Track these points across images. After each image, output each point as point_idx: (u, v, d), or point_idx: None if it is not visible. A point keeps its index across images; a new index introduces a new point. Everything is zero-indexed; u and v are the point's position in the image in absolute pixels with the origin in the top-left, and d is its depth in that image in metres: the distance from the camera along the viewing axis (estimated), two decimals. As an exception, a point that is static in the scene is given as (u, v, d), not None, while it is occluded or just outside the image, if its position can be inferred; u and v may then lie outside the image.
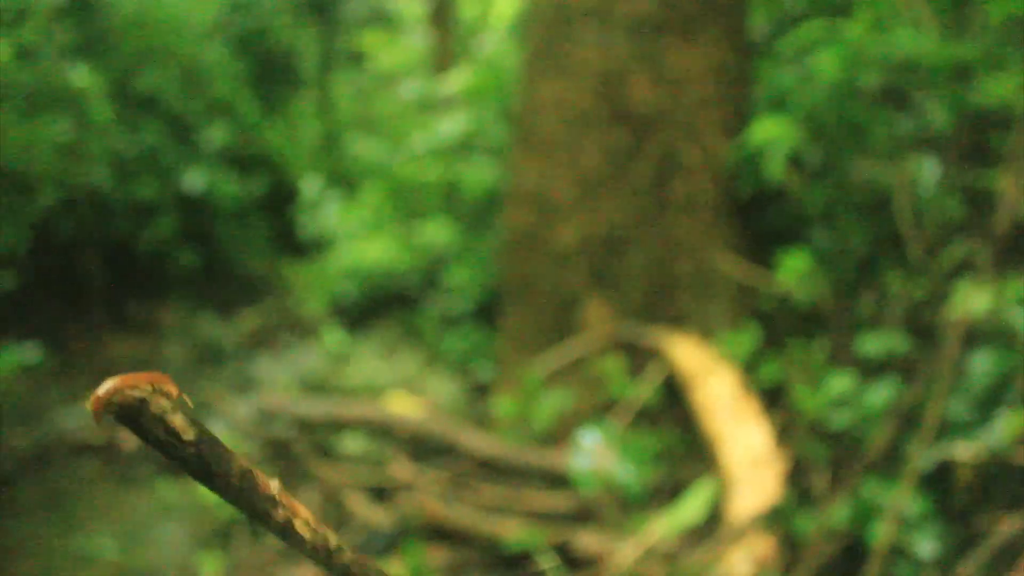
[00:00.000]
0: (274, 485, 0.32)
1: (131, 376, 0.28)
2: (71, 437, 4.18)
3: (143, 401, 0.28)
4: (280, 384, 3.96)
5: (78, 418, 4.41)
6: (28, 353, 3.57)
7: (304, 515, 0.32)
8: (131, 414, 0.27)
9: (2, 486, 3.82)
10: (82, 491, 3.83)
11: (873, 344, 2.37)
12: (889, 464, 2.17)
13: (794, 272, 2.87)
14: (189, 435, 0.29)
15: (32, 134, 4.60)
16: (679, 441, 2.76)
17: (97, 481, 3.91)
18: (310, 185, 5.55)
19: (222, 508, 3.03)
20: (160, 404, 0.28)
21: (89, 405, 0.28)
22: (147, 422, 0.28)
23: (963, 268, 2.47)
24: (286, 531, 0.33)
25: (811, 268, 2.84)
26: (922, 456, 1.96)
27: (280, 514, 0.32)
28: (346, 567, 0.34)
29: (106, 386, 0.27)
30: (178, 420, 0.29)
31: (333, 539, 0.33)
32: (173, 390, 0.29)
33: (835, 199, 3.09)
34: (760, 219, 3.31)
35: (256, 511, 0.31)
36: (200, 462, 0.31)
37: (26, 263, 4.82)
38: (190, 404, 0.29)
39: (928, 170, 2.59)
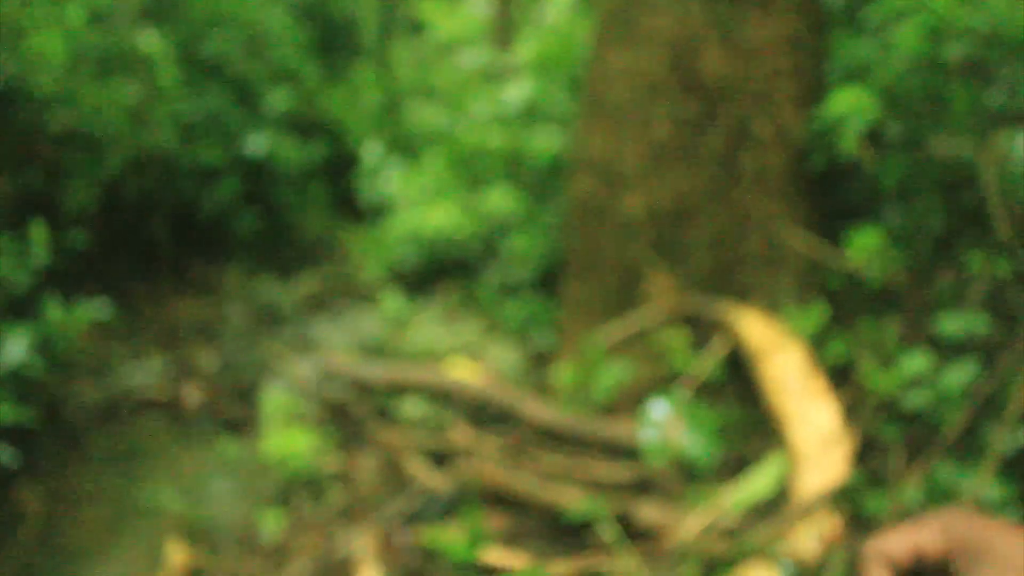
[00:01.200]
0: None
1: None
2: (138, 393, 4.28)
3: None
4: (339, 347, 4.00)
5: (144, 375, 4.50)
6: (99, 309, 3.64)
7: None
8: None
9: (70, 440, 3.93)
10: (147, 445, 3.92)
11: (952, 324, 2.30)
12: (966, 448, 2.11)
13: (865, 250, 2.80)
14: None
15: (102, 97, 4.67)
16: (742, 417, 2.72)
17: (162, 436, 3.99)
18: (370, 151, 5.57)
19: (282, 467, 3.08)
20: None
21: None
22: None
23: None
24: None
25: (883, 246, 2.77)
26: (1005, 440, 1.91)
27: None
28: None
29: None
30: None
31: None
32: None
33: (912, 175, 3.00)
34: (832, 195, 3.23)
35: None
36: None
37: (96, 224, 4.92)
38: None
39: (1018, 145, 2.49)
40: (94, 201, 4.85)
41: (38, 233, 3.57)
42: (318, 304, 5.36)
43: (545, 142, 3.97)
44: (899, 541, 0.65)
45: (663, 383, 2.84)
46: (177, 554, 2.84)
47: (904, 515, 2.11)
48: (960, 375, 2.15)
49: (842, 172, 3.16)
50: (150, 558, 2.90)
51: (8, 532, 3.10)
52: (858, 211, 3.19)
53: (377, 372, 3.19)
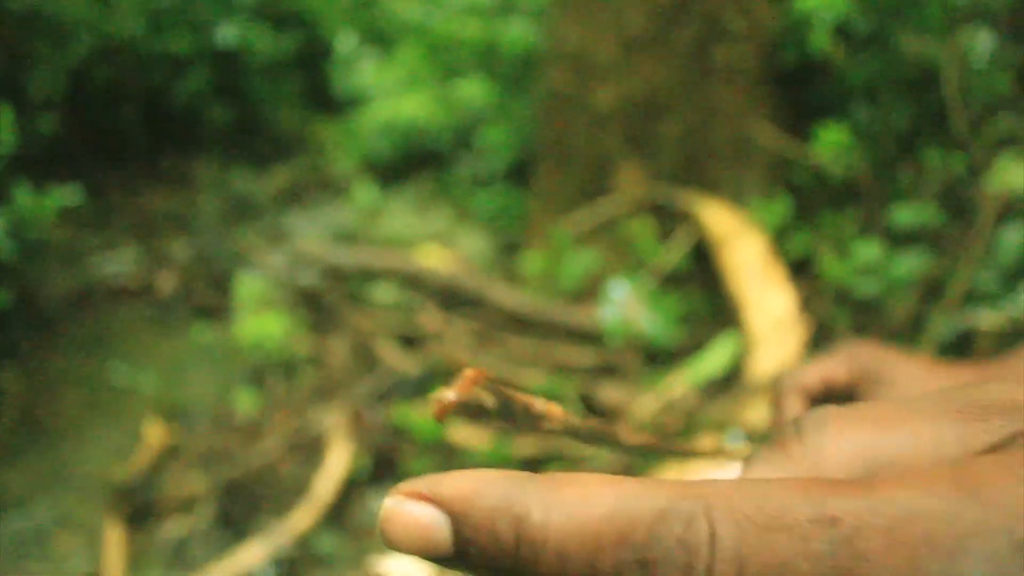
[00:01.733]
0: (540, 402, 0.39)
1: (462, 383, 0.32)
2: (111, 280, 4.31)
3: (478, 401, 0.32)
4: (312, 237, 4.03)
5: (117, 263, 4.52)
6: (70, 196, 3.63)
7: (557, 412, 0.39)
8: (471, 412, 0.32)
9: (45, 325, 3.97)
10: (122, 331, 3.97)
11: (905, 215, 2.38)
12: (911, 332, 2.21)
13: (831, 146, 2.85)
14: (494, 403, 0.34)
15: (66, -22, 4.55)
16: (705, 305, 2.81)
17: (136, 323, 4.05)
18: (344, 42, 5.48)
19: (256, 350, 3.15)
20: (484, 395, 0.33)
21: (434, 412, 0.32)
22: (480, 412, 0.33)
23: (1006, 144, 2.45)
24: (542, 428, 0.41)
25: (849, 142, 2.82)
26: (944, 323, 2.00)
27: (545, 423, 0.39)
28: (587, 431, 0.42)
29: (447, 395, 0.32)
30: (492, 398, 0.34)
31: (577, 418, 0.40)
32: (482, 374, 0.34)
33: (880, 73, 3.03)
34: (802, 91, 3.26)
35: (534, 427, 0.39)
36: (512, 420, 0.38)
37: (64, 112, 4.85)
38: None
39: (981, 43, 2.53)
40: (61, 88, 4.78)
41: (4, 116, 3.53)
42: (292, 196, 5.36)
43: (519, 33, 3.94)
44: (810, 372, 0.72)
45: (629, 272, 2.91)
46: (154, 433, 2.93)
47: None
48: (910, 262, 2.23)
49: (812, 69, 3.18)
50: (127, 437, 2.99)
51: (-13, 414, 3.17)
52: (826, 109, 3.23)
53: (348, 258, 3.24)
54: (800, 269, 2.79)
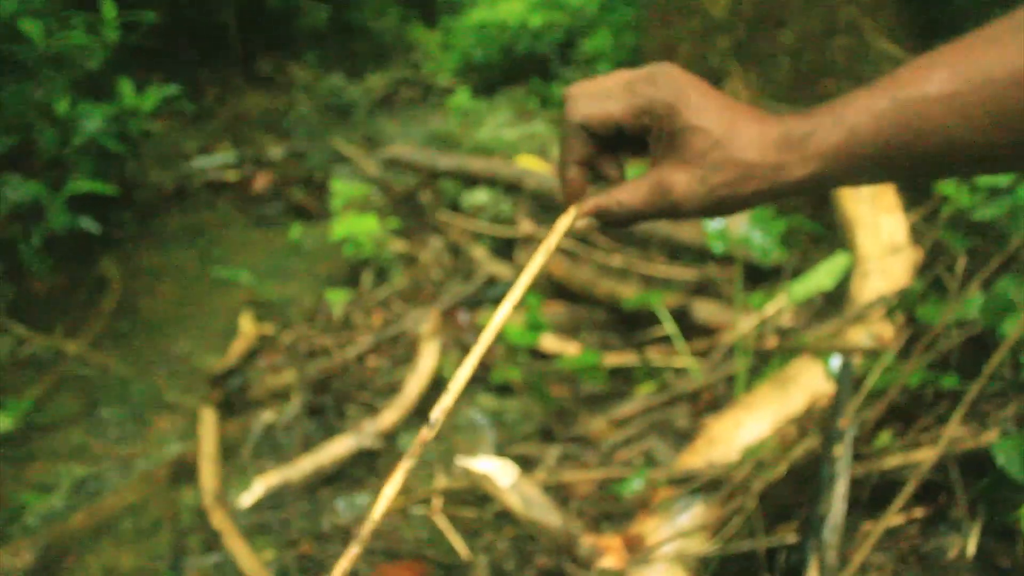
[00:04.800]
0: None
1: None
2: (209, 177, 4.38)
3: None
4: (408, 142, 4.01)
5: (215, 161, 4.60)
6: (170, 90, 3.67)
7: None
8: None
9: (145, 218, 4.07)
10: (219, 228, 4.05)
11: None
12: (1034, 261, 2.08)
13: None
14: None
15: None
16: (811, 227, 2.70)
17: (233, 220, 4.12)
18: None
19: (350, 251, 3.17)
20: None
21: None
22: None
23: None
24: None
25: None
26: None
27: None
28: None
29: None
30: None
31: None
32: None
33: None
34: (927, 5, 3.06)
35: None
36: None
37: (164, 11, 4.88)
38: None
39: None
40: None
41: (108, 9, 3.56)
42: (388, 101, 5.33)
43: (627, -63, 3.79)
44: (598, 108, 0.64)
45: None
46: (248, 325, 2.98)
47: (958, 325, 2.11)
48: (1041, 186, 2.08)
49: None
50: (223, 328, 3.06)
51: (92, 300, 3.26)
52: (955, 24, 3.03)
53: (445, 161, 3.20)
54: (909, 191, 2.66)
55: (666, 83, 0.61)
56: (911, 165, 0.60)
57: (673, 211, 0.62)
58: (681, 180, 0.61)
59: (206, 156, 4.62)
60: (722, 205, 0.61)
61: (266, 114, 5.33)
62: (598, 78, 0.67)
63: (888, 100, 0.59)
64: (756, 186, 0.60)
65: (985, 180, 2.29)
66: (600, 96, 0.63)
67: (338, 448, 2.27)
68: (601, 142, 0.65)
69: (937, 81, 0.58)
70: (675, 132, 0.61)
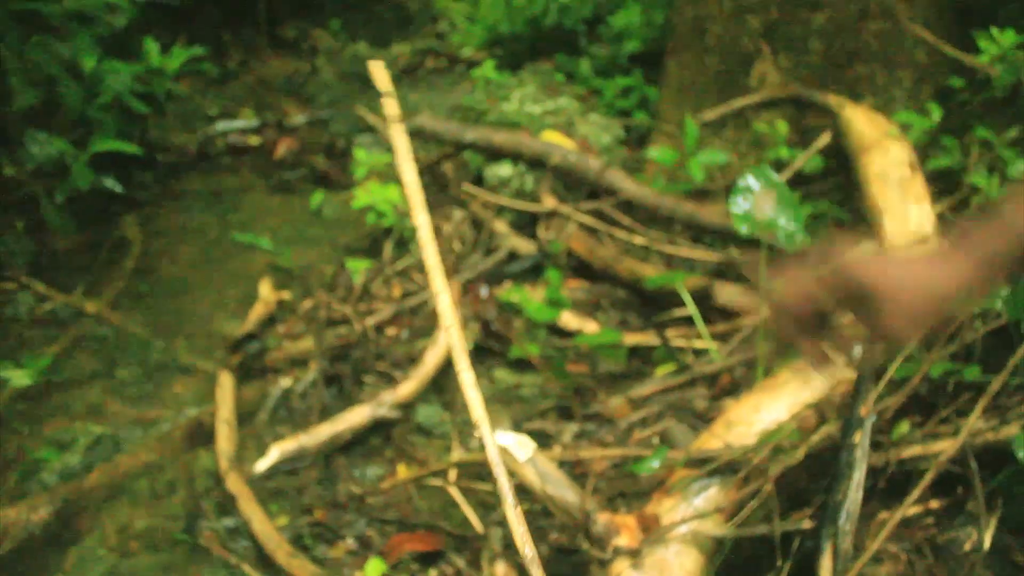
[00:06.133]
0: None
1: None
2: (231, 140, 4.37)
3: None
4: (432, 112, 3.99)
5: (236, 125, 4.59)
6: (196, 51, 3.66)
7: None
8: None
9: (167, 179, 4.07)
10: (240, 192, 4.04)
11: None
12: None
13: (995, 51, 2.63)
14: None
15: None
16: (837, 212, 2.68)
17: (255, 185, 4.11)
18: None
19: (371, 220, 3.16)
20: None
21: None
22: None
23: None
24: None
25: (1016, 47, 2.60)
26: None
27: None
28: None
29: None
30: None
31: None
32: None
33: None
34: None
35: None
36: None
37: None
38: None
39: None
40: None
41: (136, -30, 3.55)
42: (412, 70, 5.31)
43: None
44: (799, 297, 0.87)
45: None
46: (268, 291, 2.98)
47: (981, 317, 2.09)
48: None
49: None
50: (243, 293, 3.06)
51: (113, 260, 3.27)
52: (991, 13, 2.98)
53: (469, 133, 3.18)
54: (945, 180, 2.63)
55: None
56: None
57: None
58: None
59: (228, 119, 4.61)
60: None
61: (289, 80, 5.31)
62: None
63: None
64: None
65: (1018, 169, 2.26)
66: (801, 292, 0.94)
67: (355, 417, 2.28)
68: None
69: None
70: None
